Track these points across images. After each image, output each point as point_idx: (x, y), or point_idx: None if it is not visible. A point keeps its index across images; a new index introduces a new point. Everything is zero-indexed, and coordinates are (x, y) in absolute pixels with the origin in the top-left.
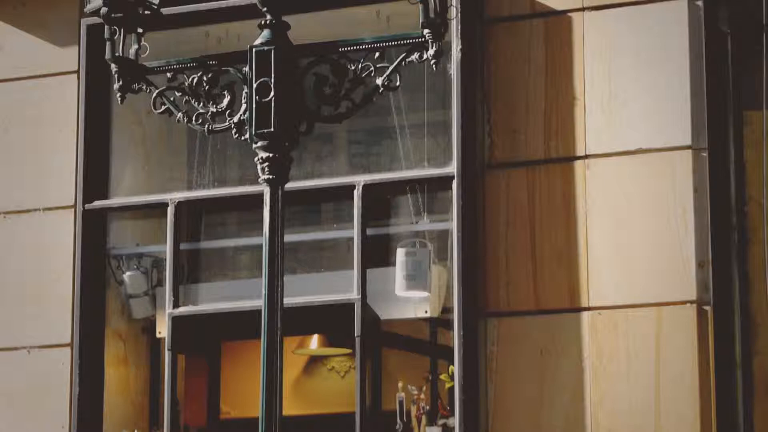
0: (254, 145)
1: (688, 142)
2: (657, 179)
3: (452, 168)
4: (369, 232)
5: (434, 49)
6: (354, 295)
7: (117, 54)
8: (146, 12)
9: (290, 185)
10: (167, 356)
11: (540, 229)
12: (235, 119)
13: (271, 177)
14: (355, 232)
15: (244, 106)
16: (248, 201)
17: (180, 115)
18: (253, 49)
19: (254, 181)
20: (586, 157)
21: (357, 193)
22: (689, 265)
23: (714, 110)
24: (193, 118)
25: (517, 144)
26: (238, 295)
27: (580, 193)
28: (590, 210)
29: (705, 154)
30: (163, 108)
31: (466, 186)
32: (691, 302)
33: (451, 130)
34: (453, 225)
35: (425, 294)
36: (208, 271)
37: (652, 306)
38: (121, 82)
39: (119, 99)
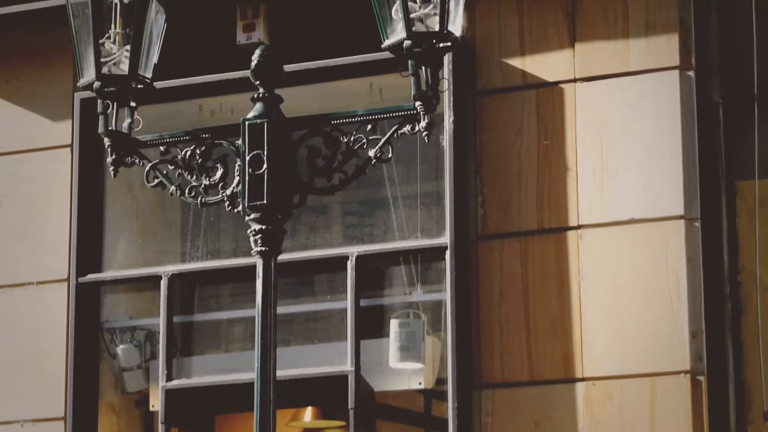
0: (247, 218)
1: (681, 212)
2: (650, 249)
3: (445, 239)
4: (362, 303)
5: (426, 121)
6: (348, 366)
7: (110, 128)
8: (139, 86)
9: (283, 257)
10: (161, 430)
11: (534, 300)
12: (228, 192)
13: (263, 249)
14: (348, 304)
15: (237, 178)
16: (242, 273)
17: (173, 188)
18: (246, 122)
19: (248, 253)
20: (579, 227)
21: (350, 264)
22: (683, 335)
23: (706, 180)
24: (186, 191)
25: (510, 214)
26: (231, 368)
27: (573, 263)
28: (583, 280)
29: (698, 224)
30: (156, 181)
31: (459, 256)
32: (685, 372)
33: (444, 200)
34: (446, 296)
35: (419, 365)
36: (202, 344)
37: (646, 376)
38: (114, 156)
39: (112, 173)
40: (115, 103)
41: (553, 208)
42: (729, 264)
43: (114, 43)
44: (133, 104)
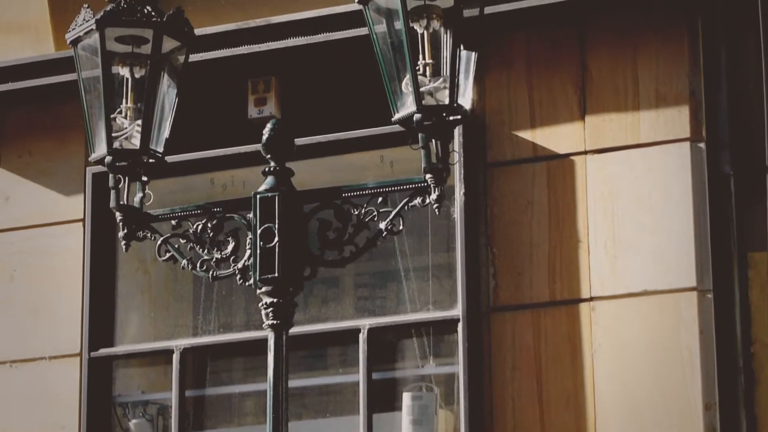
0: (258, 291)
1: (693, 284)
2: (662, 321)
3: (457, 311)
4: (375, 376)
5: (437, 193)
6: None
7: (122, 202)
8: (151, 160)
9: (295, 330)
10: None
11: (546, 372)
12: (240, 265)
13: (275, 322)
14: (360, 377)
15: (248, 252)
16: (253, 346)
17: (185, 262)
18: (258, 196)
19: (259, 326)
20: (591, 299)
21: (362, 337)
22: (696, 408)
23: (718, 252)
24: (198, 265)
25: (521, 287)
26: None
27: (585, 335)
28: (596, 352)
29: (710, 296)
30: (168, 255)
31: (471, 329)
32: None
33: (455, 272)
34: (459, 368)
35: None
36: (214, 418)
37: None
38: (125, 231)
39: (124, 247)
40: (126, 178)
41: (565, 280)
42: (742, 336)
43: (125, 117)
44: (144, 179)
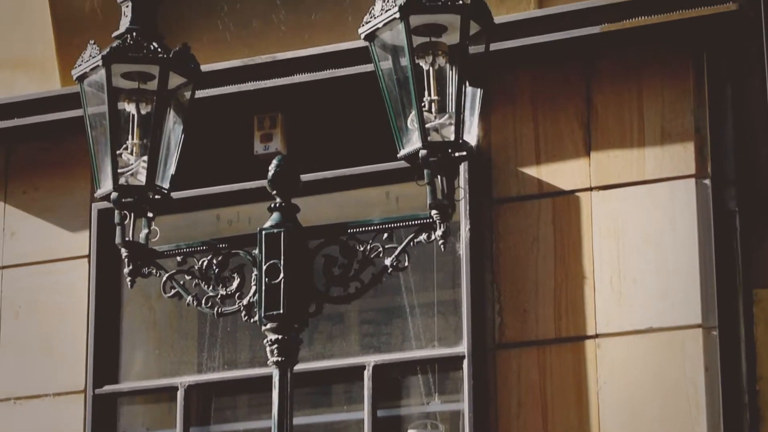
0: (263, 327)
1: (698, 321)
2: (668, 358)
3: (463, 348)
4: (380, 413)
5: (442, 229)
6: None
7: (127, 238)
8: (156, 196)
9: (300, 367)
10: None
11: (552, 409)
12: (245, 302)
13: (280, 359)
14: (365, 414)
15: (253, 288)
16: (258, 383)
17: (190, 298)
18: (263, 232)
19: (264, 363)
20: (597, 336)
21: (367, 374)
22: None
23: (723, 289)
24: (203, 301)
25: (527, 323)
26: None
27: (591, 372)
28: (602, 389)
29: (715, 333)
30: (173, 292)
31: (476, 366)
32: None
33: (461, 309)
34: (464, 405)
35: None
36: None
37: None
38: (131, 267)
39: (129, 283)
40: (132, 214)
41: (571, 317)
42: (747, 373)
43: (131, 153)
44: (150, 215)
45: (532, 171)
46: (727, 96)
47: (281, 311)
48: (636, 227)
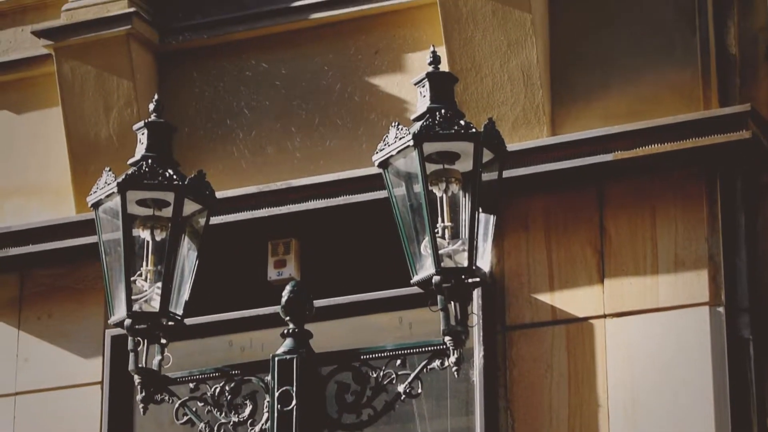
0: None
1: None
2: None
3: None
4: None
5: (456, 356)
6: None
7: (140, 365)
8: (170, 323)
9: None
10: None
11: None
12: (257, 429)
13: None
14: None
15: (266, 415)
16: None
17: (202, 425)
18: (276, 358)
19: None
20: None
21: None
22: None
23: (737, 418)
24: (216, 428)
25: None
26: None
27: None
28: None
29: None
30: (186, 418)
31: None
32: None
33: None
34: None
35: None
36: None
37: None
38: (143, 393)
39: (142, 410)
40: (145, 341)
41: None
42: None
43: (145, 280)
44: (163, 341)
45: (545, 298)
46: (741, 224)
47: None
48: (649, 355)
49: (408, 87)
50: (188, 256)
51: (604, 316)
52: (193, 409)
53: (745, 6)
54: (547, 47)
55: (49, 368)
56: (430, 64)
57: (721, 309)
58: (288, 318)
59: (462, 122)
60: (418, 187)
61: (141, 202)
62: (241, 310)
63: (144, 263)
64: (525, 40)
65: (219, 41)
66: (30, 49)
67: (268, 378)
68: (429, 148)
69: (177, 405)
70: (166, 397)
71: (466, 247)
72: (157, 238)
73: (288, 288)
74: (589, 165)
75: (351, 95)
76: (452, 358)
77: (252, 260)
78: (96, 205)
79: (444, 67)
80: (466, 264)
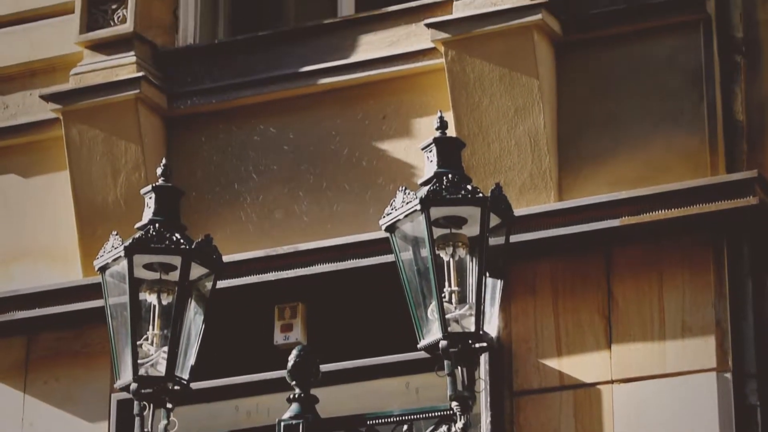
0: None
1: None
2: None
3: None
4: None
5: (463, 421)
6: None
7: (146, 429)
8: (176, 387)
9: None
10: None
11: None
12: None
13: None
14: None
15: None
16: None
17: None
18: (282, 423)
19: None
20: None
21: None
22: None
23: None
24: None
25: None
26: None
27: None
28: None
29: None
30: None
31: None
32: None
33: None
34: None
35: None
36: None
37: None
38: None
39: None
40: (151, 405)
41: None
42: None
43: (152, 344)
44: (169, 405)
45: (553, 363)
46: (748, 290)
47: None
48: (657, 421)
49: (415, 152)
50: (195, 320)
51: (612, 381)
52: None
53: (752, 72)
54: (555, 113)
55: None
56: (437, 129)
57: (728, 375)
58: (294, 382)
59: (469, 187)
60: (425, 252)
61: (148, 266)
62: (247, 374)
63: (150, 327)
64: (532, 106)
65: (227, 106)
66: (38, 112)
67: None
68: (436, 212)
69: None
70: None
71: (473, 312)
72: (164, 302)
73: (294, 352)
74: (597, 230)
75: (359, 160)
76: (459, 424)
77: (258, 324)
78: (103, 269)
79: (451, 132)
80: (473, 329)
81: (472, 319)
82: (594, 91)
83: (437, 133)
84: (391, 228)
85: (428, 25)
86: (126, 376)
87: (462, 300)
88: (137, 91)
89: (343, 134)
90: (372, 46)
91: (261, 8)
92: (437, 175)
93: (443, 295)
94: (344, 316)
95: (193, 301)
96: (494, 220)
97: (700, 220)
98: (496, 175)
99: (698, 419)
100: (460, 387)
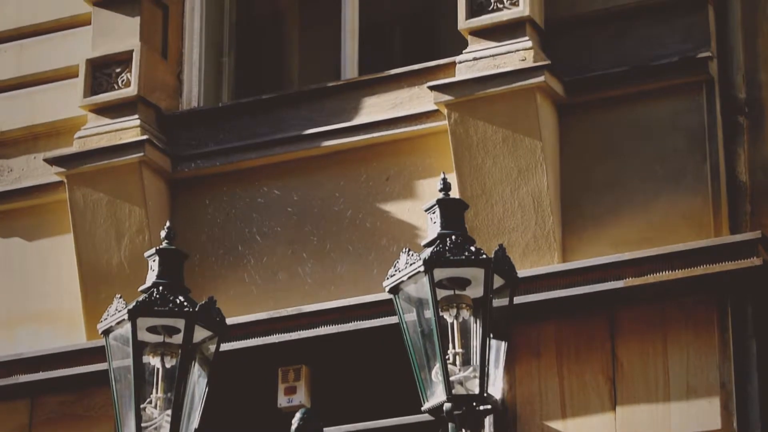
0: None
1: None
2: None
3: None
4: None
5: None
6: None
7: None
8: None
9: None
10: None
11: None
12: None
13: None
14: None
15: None
16: None
17: None
18: None
19: None
20: None
21: None
22: None
23: None
24: None
25: None
26: None
27: None
28: None
29: None
30: None
31: None
32: None
33: None
34: None
35: None
36: None
37: None
38: None
39: None
40: None
41: None
42: None
43: (155, 407)
44: None
45: (557, 425)
46: (752, 351)
47: None
48: None
49: (419, 213)
50: (198, 382)
51: None
52: None
53: (754, 133)
54: (558, 174)
55: None
56: (440, 190)
57: None
58: None
59: (472, 248)
60: (428, 313)
61: (152, 329)
62: None
63: (154, 390)
64: (535, 167)
65: (231, 168)
66: (42, 176)
67: None
68: (440, 274)
69: None
70: None
71: (478, 374)
72: (167, 365)
73: (298, 415)
74: (601, 291)
75: (362, 221)
76: None
77: (262, 387)
78: (106, 332)
79: (454, 193)
80: (477, 391)
81: (477, 381)
82: (597, 152)
83: (440, 195)
84: (395, 289)
85: (431, 88)
86: None
87: (466, 362)
88: (141, 154)
89: (347, 196)
90: (375, 108)
91: (264, 72)
92: (441, 237)
93: (447, 357)
94: (348, 379)
95: (196, 363)
96: (498, 282)
97: (703, 281)
98: (499, 237)
99: None
100: None
